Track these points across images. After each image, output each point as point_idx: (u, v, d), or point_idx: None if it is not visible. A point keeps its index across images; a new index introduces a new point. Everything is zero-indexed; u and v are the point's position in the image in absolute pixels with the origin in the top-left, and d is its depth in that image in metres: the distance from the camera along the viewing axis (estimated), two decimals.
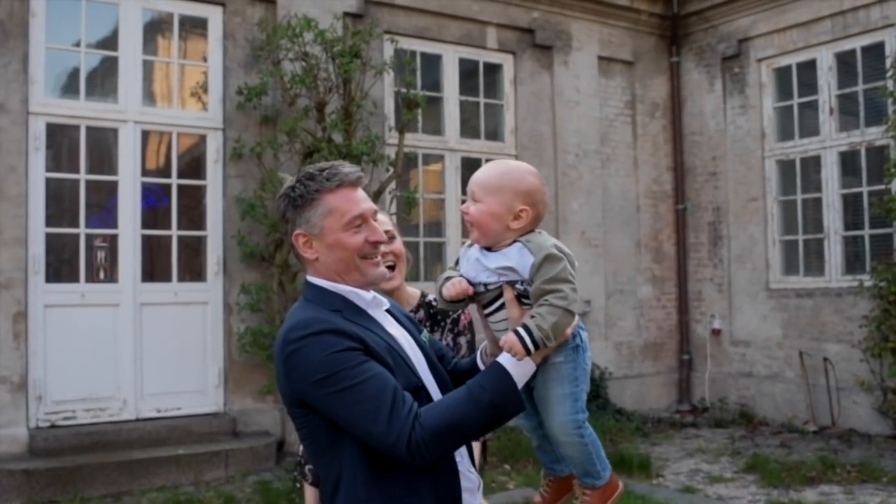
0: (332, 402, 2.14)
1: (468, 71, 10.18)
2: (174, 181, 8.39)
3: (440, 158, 10.00)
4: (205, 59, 8.59)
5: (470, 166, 10.31)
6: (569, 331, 2.18)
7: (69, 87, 8.00)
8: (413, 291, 3.18)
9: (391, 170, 8.63)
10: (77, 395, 7.75)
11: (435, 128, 10.00)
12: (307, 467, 3.01)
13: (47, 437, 7.48)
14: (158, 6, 8.34)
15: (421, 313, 3.07)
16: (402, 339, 2.37)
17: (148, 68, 8.42)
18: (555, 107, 10.54)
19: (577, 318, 2.20)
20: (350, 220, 2.28)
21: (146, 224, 8.22)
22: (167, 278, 8.34)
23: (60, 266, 8.15)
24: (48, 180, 7.75)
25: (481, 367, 2.40)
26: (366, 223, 2.31)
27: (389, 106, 9.34)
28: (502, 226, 2.18)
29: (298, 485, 3.11)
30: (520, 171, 2.24)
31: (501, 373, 2.16)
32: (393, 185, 8.94)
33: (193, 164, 8.74)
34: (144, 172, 8.28)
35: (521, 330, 2.10)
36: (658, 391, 11.19)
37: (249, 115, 8.43)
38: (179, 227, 8.40)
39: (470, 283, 2.25)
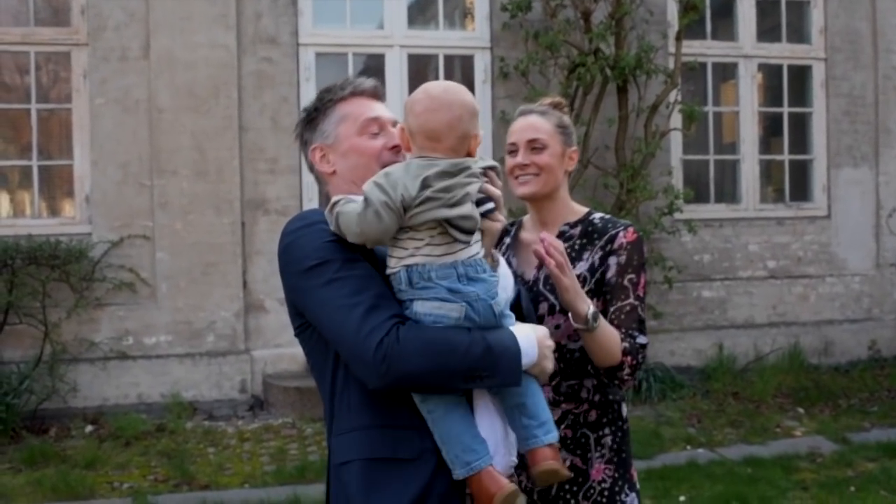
0: (318, 294, 1.94)
1: None
2: None
3: (733, 67, 8.98)
4: None
5: (770, 74, 9.25)
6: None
7: (335, 16, 8.06)
8: (578, 208, 2.72)
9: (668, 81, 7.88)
10: None
11: (728, 33, 9.01)
12: None
13: None
14: None
15: (578, 229, 2.64)
16: None
17: None
18: None
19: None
20: (364, 124, 2.16)
21: None
22: None
23: None
24: None
25: None
26: (384, 129, 2.18)
27: (673, 11, 8.49)
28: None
29: None
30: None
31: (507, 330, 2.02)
32: (676, 96, 8.18)
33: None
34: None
35: None
36: None
37: (516, 32, 8.03)
38: None
39: None
